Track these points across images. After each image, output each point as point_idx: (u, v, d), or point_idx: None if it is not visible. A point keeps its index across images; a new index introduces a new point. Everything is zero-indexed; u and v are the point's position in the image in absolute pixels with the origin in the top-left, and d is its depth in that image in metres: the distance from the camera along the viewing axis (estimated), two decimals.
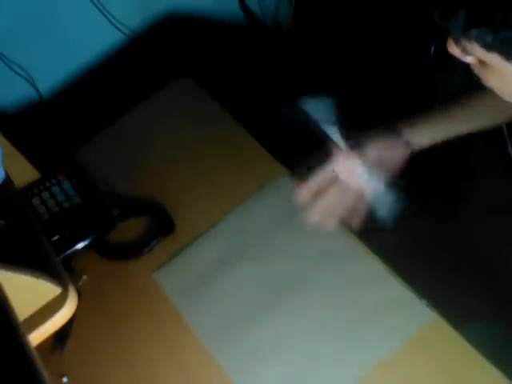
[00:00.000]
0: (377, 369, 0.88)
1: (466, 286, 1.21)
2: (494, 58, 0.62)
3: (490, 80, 0.68)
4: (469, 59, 0.66)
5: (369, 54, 1.60)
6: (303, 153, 0.92)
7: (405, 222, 1.35)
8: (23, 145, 1.13)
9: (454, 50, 0.66)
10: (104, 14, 1.56)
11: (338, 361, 0.90)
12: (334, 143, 0.93)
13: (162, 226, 1.11)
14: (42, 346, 0.75)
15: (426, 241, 1.32)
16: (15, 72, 1.50)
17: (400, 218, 0.95)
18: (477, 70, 0.68)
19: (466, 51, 0.64)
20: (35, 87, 1.56)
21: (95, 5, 1.53)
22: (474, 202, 1.36)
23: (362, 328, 0.92)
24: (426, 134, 0.94)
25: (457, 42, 0.64)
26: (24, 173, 1.15)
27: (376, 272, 0.96)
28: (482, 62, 0.65)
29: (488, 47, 0.60)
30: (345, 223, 0.94)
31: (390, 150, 0.93)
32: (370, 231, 0.99)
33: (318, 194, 0.93)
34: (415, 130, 0.94)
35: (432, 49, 1.36)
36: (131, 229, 1.13)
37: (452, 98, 0.96)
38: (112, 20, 1.58)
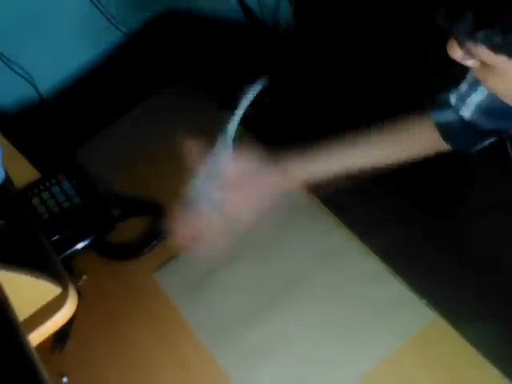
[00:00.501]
0: (377, 368, 0.88)
1: (466, 285, 1.21)
2: (500, 60, 0.61)
3: (492, 82, 0.68)
4: (470, 63, 0.66)
5: (369, 56, 1.60)
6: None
7: (405, 222, 1.36)
8: (23, 145, 1.13)
9: (454, 53, 0.65)
10: (104, 14, 1.56)
11: (337, 360, 0.90)
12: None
13: (162, 225, 1.11)
14: (42, 346, 0.75)
15: (426, 241, 1.32)
16: (15, 72, 1.50)
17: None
18: (477, 73, 0.68)
19: (469, 54, 0.64)
20: (35, 87, 1.56)
21: (95, 4, 1.53)
22: (474, 202, 1.36)
23: (362, 328, 0.92)
24: (311, 171, 0.92)
25: (461, 45, 0.63)
26: (24, 173, 1.16)
27: (376, 272, 0.96)
28: (484, 65, 0.65)
29: (496, 49, 0.60)
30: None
31: (260, 175, 0.90)
32: (370, 231, 0.99)
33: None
34: (301, 164, 0.92)
35: (432, 51, 1.36)
36: (131, 229, 1.13)
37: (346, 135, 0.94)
38: (112, 20, 1.58)
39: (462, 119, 0.88)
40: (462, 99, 0.87)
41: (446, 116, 0.89)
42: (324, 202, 1.06)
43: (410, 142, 0.93)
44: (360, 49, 1.62)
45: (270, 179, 0.91)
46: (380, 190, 1.41)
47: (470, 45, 0.61)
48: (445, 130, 0.90)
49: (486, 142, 0.91)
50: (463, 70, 0.78)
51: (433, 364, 0.87)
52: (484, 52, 0.61)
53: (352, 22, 1.65)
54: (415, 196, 1.44)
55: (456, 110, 0.88)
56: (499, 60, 0.61)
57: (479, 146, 0.92)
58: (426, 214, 1.39)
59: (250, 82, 0.86)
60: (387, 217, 1.38)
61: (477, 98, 0.85)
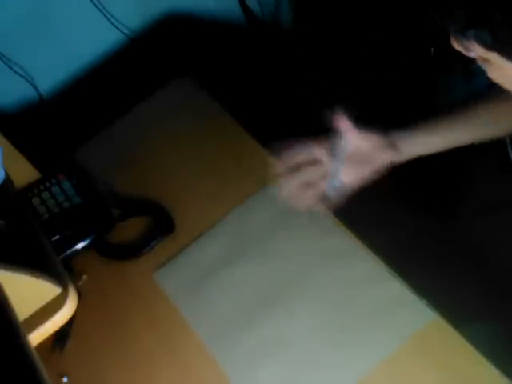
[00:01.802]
0: (377, 368, 0.88)
1: (466, 285, 1.21)
2: (493, 56, 0.62)
3: (493, 74, 0.69)
4: (472, 54, 0.66)
5: (369, 55, 1.60)
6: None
7: (406, 223, 1.36)
8: (23, 145, 1.13)
9: (457, 46, 0.66)
10: (104, 14, 1.56)
11: (338, 360, 0.90)
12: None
13: (161, 225, 1.11)
14: (42, 346, 0.75)
15: (426, 241, 1.32)
16: (15, 72, 1.50)
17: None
18: (480, 63, 0.69)
19: (467, 49, 0.64)
20: (35, 87, 1.56)
21: (95, 5, 1.53)
22: (474, 202, 1.36)
23: (362, 328, 0.92)
24: (420, 145, 0.93)
25: (458, 41, 0.64)
26: (24, 173, 1.16)
27: (376, 272, 0.96)
28: (483, 58, 0.65)
29: (487, 47, 0.60)
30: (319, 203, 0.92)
31: (374, 151, 0.91)
32: (370, 231, 0.99)
33: (294, 170, 0.91)
34: (410, 138, 0.92)
35: (432, 50, 1.36)
36: (131, 229, 1.13)
37: (453, 107, 0.95)
38: (112, 20, 1.58)
39: None
40: None
41: None
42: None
43: (506, 115, 0.92)
44: (360, 50, 1.62)
45: (381, 154, 0.91)
46: (380, 191, 1.41)
47: (463, 41, 0.62)
48: None
49: None
50: (464, 68, 0.78)
51: (433, 364, 0.87)
52: (478, 49, 0.61)
53: (352, 22, 1.65)
54: (415, 196, 1.44)
55: None
56: (492, 56, 0.62)
57: None
58: (426, 214, 1.39)
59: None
60: (387, 217, 1.38)
61: None
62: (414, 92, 1.51)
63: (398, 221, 1.37)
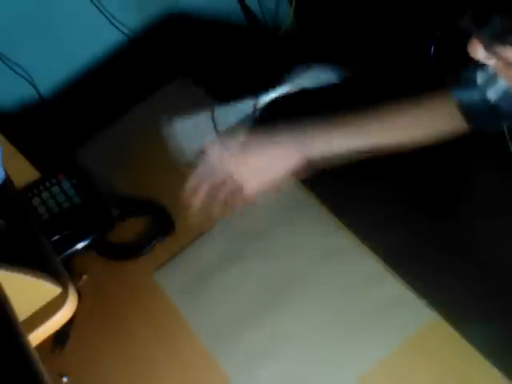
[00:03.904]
0: (377, 368, 0.88)
1: (467, 285, 1.21)
2: None
3: None
4: (491, 62, 0.66)
5: (369, 54, 1.60)
6: None
7: (406, 222, 1.36)
8: (23, 145, 1.13)
9: (477, 53, 0.65)
10: (104, 14, 1.56)
11: (338, 360, 0.90)
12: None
13: (161, 225, 1.11)
14: (42, 346, 0.75)
15: (427, 241, 1.32)
16: (15, 72, 1.50)
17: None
18: (500, 70, 0.68)
19: (494, 54, 0.64)
20: (35, 87, 1.56)
21: (95, 5, 1.53)
22: (475, 202, 1.36)
23: (362, 328, 0.92)
24: (332, 141, 0.91)
25: (487, 47, 0.63)
26: (24, 173, 1.16)
27: (376, 272, 0.96)
28: (507, 64, 0.65)
29: None
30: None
31: (271, 161, 0.91)
32: (370, 231, 0.99)
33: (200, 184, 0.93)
34: (321, 134, 0.91)
35: (432, 48, 1.36)
36: (131, 229, 1.13)
37: (378, 106, 0.93)
38: (112, 20, 1.58)
39: (486, 100, 0.85)
40: (490, 80, 0.84)
41: (471, 95, 0.87)
42: (324, 202, 1.06)
43: (431, 119, 0.91)
44: (360, 49, 1.62)
45: (283, 150, 0.91)
46: (380, 191, 1.41)
47: (497, 47, 0.62)
48: (468, 110, 0.88)
49: (506, 125, 0.88)
50: (463, 63, 0.78)
51: (433, 364, 0.87)
52: (511, 53, 0.61)
53: (352, 22, 1.65)
54: (415, 196, 1.44)
55: (482, 90, 0.85)
56: None
57: (499, 129, 0.89)
58: (427, 214, 1.39)
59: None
60: (387, 217, 1.38)
61: (504, 83, 0.82)
62: (413, 92, 1.51)
63: (398, 221, 1.37)
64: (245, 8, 1.74)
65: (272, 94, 0.89)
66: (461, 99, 0.88)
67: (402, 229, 1.34)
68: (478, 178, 1.37)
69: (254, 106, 0.90)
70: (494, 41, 0.61)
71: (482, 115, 0.87)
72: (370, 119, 0.92)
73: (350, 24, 1.65)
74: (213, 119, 0.92)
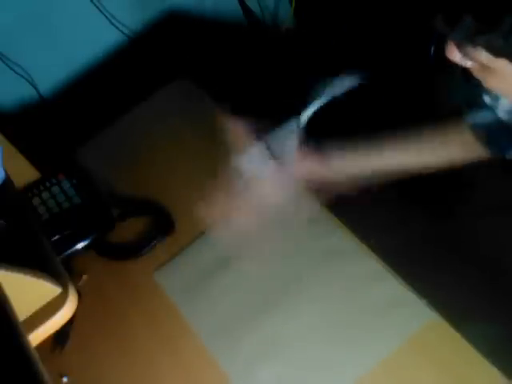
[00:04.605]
0: (377, 368, 0.88)
1: (466, 286, 1.21)
2: (501, 63, 0.61)
3: (491, 83, 0.68)
4: (468, 64, 0.66)
5: (368, 54, 1.60)
6: None
7: (405, 222, 1.36)
8: (23, 145, 1.13)
9: (453, 55, 0.65)
10: (104, 14, 1.56)
11: (338, 360, 0.90)
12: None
13: (161, 225, 1.11)
14: (42, 346, 0.75)
15: (427, 241, 1.32)
16: (15, 72, 1.50)
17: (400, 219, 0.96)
18: (476, 73, 0.68)
19: (467, 56, 0.64)
20: (35, 87, 1.56)
21: (95, 5, 1.53)
22: (475, 202, 1.36)
23: (362, 327, 0.92)
24: (351, 165, 0.95)
25: (460, 48, 0.63)
26: (24, 173, 1.16)
27: (376, 272, 0.96)
28: (482, 66, 0.65)
29: (497, 53, 0.60)
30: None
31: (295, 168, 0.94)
32: (370, 231, 0.99)
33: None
34: (342, 158, 0.95)
35: (432, 49, 1.36)
36: (131, 229, 1.13)
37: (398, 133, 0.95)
38: (112, 20, 1.58)
39: (498, 119, 0.85)
40: (496, 99, 0.85)
41: (483, 116, 0.87)
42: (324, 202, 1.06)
43: (447, 146, 0.93)
44: (360, 50, 1.62)
45: (310, 166, 0.94)
46: (380, 191, 1.41)
47: (468, 48, 0.61)
48: (482, 132, 0.88)
49: None
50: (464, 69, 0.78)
51: (432, 364, 0.87)
52: (483, 55, 0.61)
53: (352, 22, 1.65)
54: (415, 196, 1.44)
55: (492, 110, 0.86)
56: (499, 63, 0.61)
57: None
58: (427, 214, 1.39)
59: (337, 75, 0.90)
60: (387, 217, 1.38)
61: (505, 100, 0.83)
62: (413, 92, 1.51)
63: (398, 221, 1.37)
64: (245, 8, 1.74)
65: (311, 109, 0.92)
66: (473, 122, 0.89)
67: (402, 229, 1.34)
68: (477, 178, 1.37)
69: (297, 123, 0.93)
70: (465, 42, 0.61)
71: (495, 135, 0.88)
72: (383, 145, 0.95)
73: (350, 24, 1.65)
74: (268, 148, 0.94)
